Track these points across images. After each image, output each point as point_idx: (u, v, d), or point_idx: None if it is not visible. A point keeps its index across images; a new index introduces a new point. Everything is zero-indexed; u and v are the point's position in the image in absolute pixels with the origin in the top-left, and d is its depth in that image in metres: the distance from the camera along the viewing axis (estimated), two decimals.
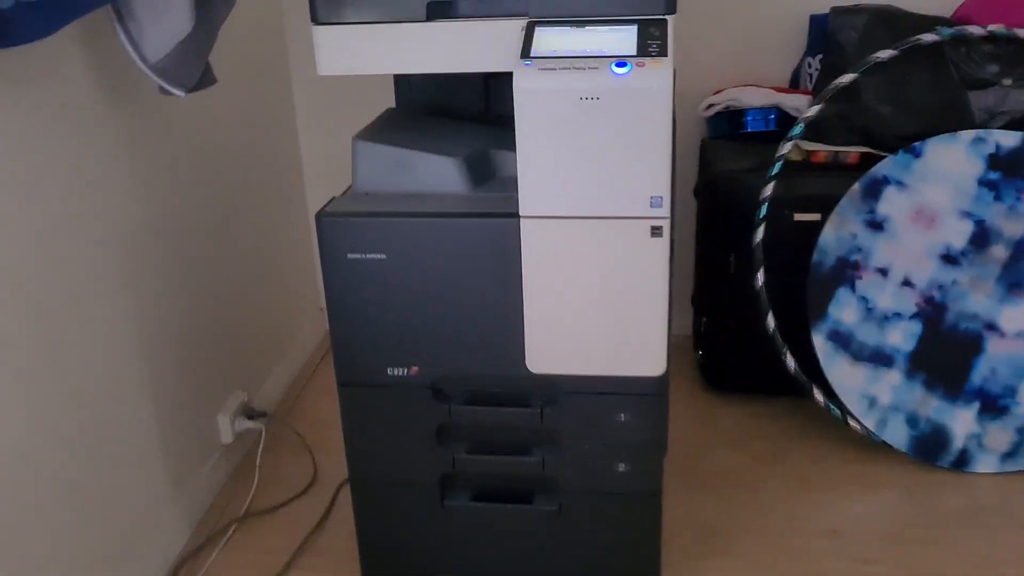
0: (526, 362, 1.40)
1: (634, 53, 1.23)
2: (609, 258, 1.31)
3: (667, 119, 1.22)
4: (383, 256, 1.37)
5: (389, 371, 1.44)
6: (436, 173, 1.43)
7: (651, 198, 1.27)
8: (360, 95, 1.81)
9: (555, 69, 1.23)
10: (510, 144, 1.34)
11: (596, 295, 1.34)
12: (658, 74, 1.21)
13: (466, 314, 1.39)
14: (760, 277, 1.93)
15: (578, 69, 1.23)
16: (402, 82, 1.66)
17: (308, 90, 2.39)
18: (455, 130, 1.55)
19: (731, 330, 2.12)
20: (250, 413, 1.99)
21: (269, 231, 2.23)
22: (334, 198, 1.44)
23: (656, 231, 1.29)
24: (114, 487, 1.55)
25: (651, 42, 1.24)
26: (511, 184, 1.35)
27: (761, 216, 1.91)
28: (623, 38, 1.26)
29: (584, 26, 1.29)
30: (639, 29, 1.26)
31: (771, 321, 1.93)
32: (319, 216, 1.37)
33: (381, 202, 1.40)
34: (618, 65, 1.21)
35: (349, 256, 1.37)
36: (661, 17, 1.28)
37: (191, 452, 1.82)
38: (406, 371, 1.44)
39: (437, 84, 1.65)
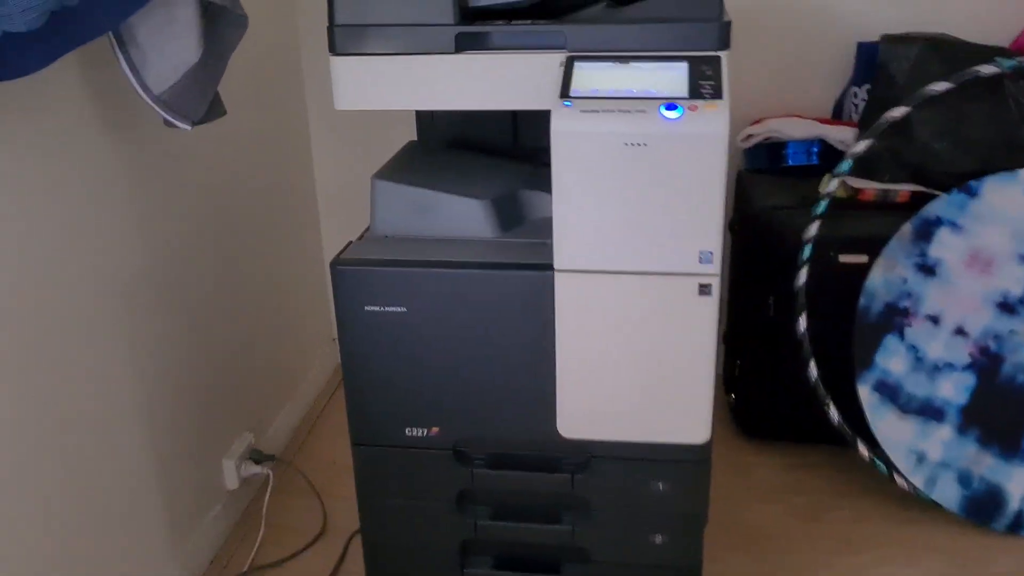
0: (557, 425, 1.29)
1: (686, 95, 1.11)
2: (652, 317, 1.19)
3: (721, 168, 1.11)
4: (403, 309, 1.25)
5: (408, 431, 1.33)
6: (461, 216, 1.32)
7: (700, 253, 1.15)
8: (379, 126, 1.70)
9: (598, 111, 1.12)
10: (542, 184, 1.24)
11: (636, 356, 1.22)
12: (713, 119, 1.09)
13: (493, 373, 1.27)
14: (802, 323, 1.81)
15: (623, 111, 1.11)
16: (424, 114, 1.55)
17: (324, 120, 2.27)
18: (481, 167, 1.44)
19: (768, 374, 1.99)
20: (257, 456, 1.87)
21: (280, 264, 2.12)
22: (351, 243, 1.32)
23: (704, 289, 1.17)
24: (107, 539, 1.43)
25: (704, 82, 1.12)
26: (543, 228, 1.24)
27: (805, 258, 1.79)
28: (673, 77, 1.14)
29: (629, 62, 1.17)
30: (690, 67, 1.15)
31: (813, 370, 1.81)
32: (334, 265, 1.25)
33: (402, 248, 1.29)
34: (668, 108, 1.10)
35: (366, 308, 1.26)
36: (714, 54, 1.16)
37: (193, 500, 1.70)
38: (426, 432, 1.32)
39: (462, 116, 1.53)
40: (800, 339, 1.82)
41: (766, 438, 2.07)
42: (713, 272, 1.16)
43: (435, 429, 1.32)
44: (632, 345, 1.21)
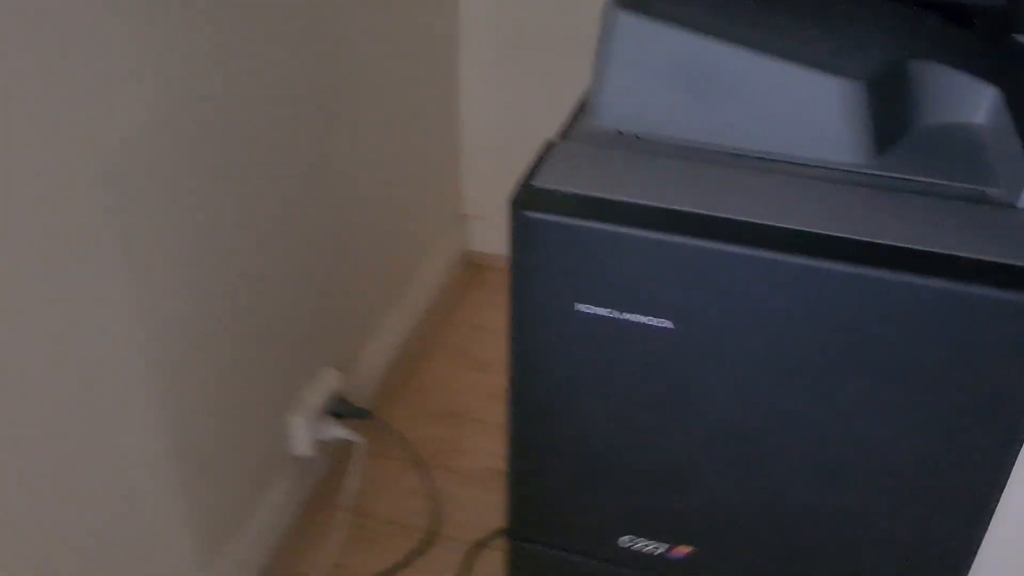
0: None
1: None
2: None
3: None
4: (667, 323, 0.56)
5: (624, 541, 0.67)
6: (802, 115, 0.60)
7: None
8: None
9: None
10: (946, 53, 0.52)
11: None
12: None
13: (838, 468, 0.59)
14: None
15: None
16: None
17: None
18: (832, 4, 0.70)
19: None
20: (341, 410, 1.26)
21: (395, 120, 1.39)
22: (551, 148, 0.62)
23: None
24: (112, 535, 0.86)
25: None
26: (949, 154, 0.53)
27: None
28: None
29: None
30: None
31: None
32: (519, 205, 0.55)
33: (663, 178, 0.58)
34: None
35: (579, 307, 0.57)
36: None
37: (241, 477, 1.11)
38: (665, 549, 0.66)
39: None
40: None
41: None
42: None
43: (683, 548, 0.66)
44: None
